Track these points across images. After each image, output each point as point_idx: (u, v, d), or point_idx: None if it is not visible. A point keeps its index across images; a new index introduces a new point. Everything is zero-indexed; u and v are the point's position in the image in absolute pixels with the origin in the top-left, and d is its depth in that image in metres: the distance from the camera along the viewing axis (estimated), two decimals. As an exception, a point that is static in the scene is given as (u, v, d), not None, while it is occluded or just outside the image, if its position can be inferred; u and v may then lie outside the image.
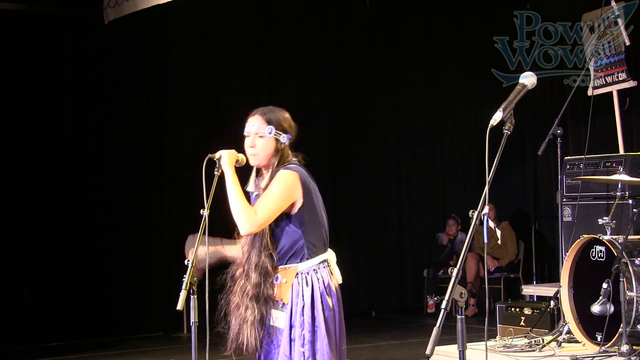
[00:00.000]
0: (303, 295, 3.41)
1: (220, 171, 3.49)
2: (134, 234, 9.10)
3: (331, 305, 3.44)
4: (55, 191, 8.79)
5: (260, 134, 3.51)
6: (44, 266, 8.66)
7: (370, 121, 10.32)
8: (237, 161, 3.53)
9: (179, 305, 3.30)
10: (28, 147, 8.69)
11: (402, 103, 10.61)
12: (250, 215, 3.35)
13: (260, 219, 3.36)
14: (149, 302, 8.95)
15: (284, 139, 3.51)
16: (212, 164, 3.51)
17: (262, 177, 3.59)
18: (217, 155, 3.52)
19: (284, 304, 3.45)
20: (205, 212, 3.41)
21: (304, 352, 3.34)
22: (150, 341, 8.51)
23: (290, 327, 3.40)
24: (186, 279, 3.32)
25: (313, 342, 3.37)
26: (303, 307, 3.40)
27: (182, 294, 3.29)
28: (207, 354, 3.40)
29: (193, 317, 3.34)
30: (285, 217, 3.45)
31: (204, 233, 3.40)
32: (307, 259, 3.46)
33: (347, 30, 10.04)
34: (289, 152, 3.55)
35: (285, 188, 3.40)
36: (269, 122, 3.52)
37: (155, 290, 8.85)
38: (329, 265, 3.51)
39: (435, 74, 10.74)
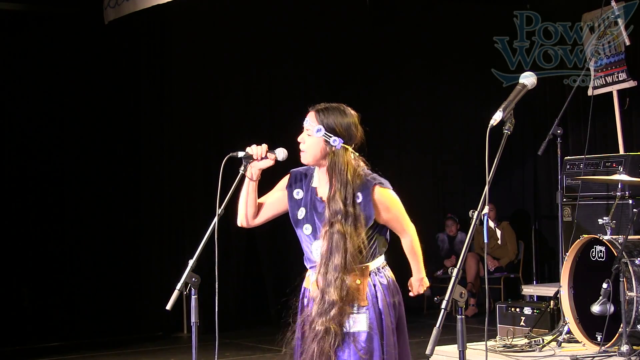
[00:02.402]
0: (385, 294, 3.34)
1: (245, 170, 3.35)
2: (134, 234, 9.10)
3: (397, 303, 3.40)
4: (55, 191, 8.80)
5: (309, 133, 3.33)
6: (44, 266, 8.67)
7: (370, 121, 10.27)
8: (272, 154, 3.37)
9: (169, 305, 3.27)
10: (28, 147, 8.69)
11: (402, 103, 10.61)
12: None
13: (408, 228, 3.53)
14: (149, 302, 8.94)
15: (335, 142, 3.30)
16: (234, 162, 3.36)
17: (319, 180, 3.41)
18: (242, 153, 3.36)
19: (360, 306, 3.30)
20: (218, 211, 3.29)
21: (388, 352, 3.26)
22: (150, 341, 8.51)
23: (371, 328, 3.28)
24: (182, 279, 3.26)
25: (396, 343, 3.32)
26: (383, 306, 3.31)
27: (174, 294, 3.25)
28: (216, 353, 3.40)
29: (193, 317, 3.31)
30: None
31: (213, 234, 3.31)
32: (377, 256, 3.40)
33: (347, 30, 10.03)
34: (350, 156, 3.35)
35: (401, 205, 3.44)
36: (320, 122, 3.32)
37: (155, 290, 8.84)
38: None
39: (435, 74, 10.74)
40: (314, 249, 3.35)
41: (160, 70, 9.22)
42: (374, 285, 3.34)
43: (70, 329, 8.58)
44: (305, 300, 3.42)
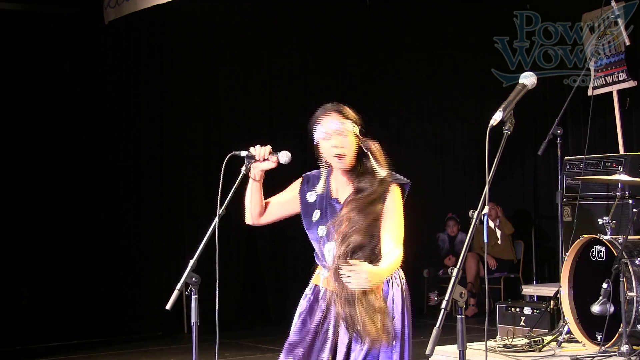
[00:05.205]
0: (393, 299, 3.25)
1: (247, 170, 3.34)
2: (134, 234, 9.10)
3: (408, 306, 3.32)
4: (55, 191, 8.79)
5: (342, 132, 3.28)
6: (44, 266, 8.66)
7: (370, 121, 10.28)
8: (273, 157, 3.34)
9: (168, 305, 3.27)
10: (28, 147, 8.69)
11: (402, 102, 10.61)
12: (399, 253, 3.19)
13: (400, 246, 3.21)
14: (149, 302, 8.94)
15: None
16: (236, 162, 3.35)
17: (342, 182, 3.37)
18: (244, 153, 3.35)
19: None
20: (219, 211, 3.28)
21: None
22: (150, 341, 8.51)
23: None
24: (182, 279, 3.25)
25: (402, 348, 3.25)
26: (395, 311, 3.23)
27: (174, 294, 3.25)
28: (216, 352, 3.39)
29: (193, 317, 3.31)
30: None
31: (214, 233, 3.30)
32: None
33: (347, 30, 10.03)
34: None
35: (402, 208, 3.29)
36: (346, 117, 3.32)
37: (155, 290, 8.84)
38: None
39: (436, 74, 10.74)
40: (327, 250, 3.32)
41: (160, 70, 9.22)
42: (392, 289, 3.27)
43: (70, 329, 8.57)
44: (312, 297, 3.39)
